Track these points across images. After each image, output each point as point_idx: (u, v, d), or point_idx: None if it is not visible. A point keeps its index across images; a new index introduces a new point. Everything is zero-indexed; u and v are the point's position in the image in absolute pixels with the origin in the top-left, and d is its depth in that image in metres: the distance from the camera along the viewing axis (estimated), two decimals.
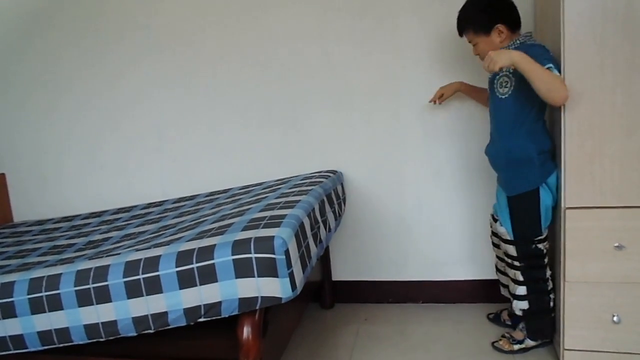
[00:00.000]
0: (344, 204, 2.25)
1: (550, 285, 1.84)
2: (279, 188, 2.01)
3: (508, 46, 1.75)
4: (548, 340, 1.90)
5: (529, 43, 1.73)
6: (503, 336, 1.96)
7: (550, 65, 1.58)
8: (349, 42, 2.26)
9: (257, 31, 2.34)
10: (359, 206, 2.38)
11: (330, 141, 2.34)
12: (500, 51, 1.62)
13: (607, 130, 1.61)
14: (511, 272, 1.88)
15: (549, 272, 1.84)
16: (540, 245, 1.80)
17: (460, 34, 1.87)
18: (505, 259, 1.90)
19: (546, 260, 1.83)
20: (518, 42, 1.75)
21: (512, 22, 1.76)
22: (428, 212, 2.32)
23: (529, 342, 1.90)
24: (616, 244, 1.64)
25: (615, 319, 1.67)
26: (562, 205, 1.69)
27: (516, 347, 1.90)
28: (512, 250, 1.84)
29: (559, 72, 1.60)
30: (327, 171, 2.21)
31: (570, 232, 1.68)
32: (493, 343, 1.96)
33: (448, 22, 2.15)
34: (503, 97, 1.77)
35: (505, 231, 1.84)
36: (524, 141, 1.74)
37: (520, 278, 1.83)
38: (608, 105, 1.60)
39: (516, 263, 1.84)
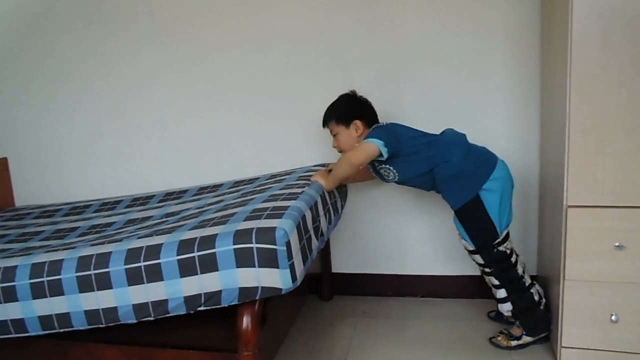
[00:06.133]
0: (346, 197, 2.25)
1: (528, 281, 1.87)
2: (284, 179, 2.02)
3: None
4: (545, 334, 1.91)
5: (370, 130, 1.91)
6: (501, 332, 1.97)
7: (367, 140, 1.80)
8: (353, 35, 2.25)
9: (261, 22, 2.33)
10: (360, 199, 2.38)
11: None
12: (321, 176, 1.93)
13: (610, 130, 1.61)
14: (486, 279, 1.94)
15: (521, 270, 1.87)
16: (501, 248, 1.83)
17: (325, 124, 2.01)
18: (479, 267, 1.94)
19: (513, 259, 1.86)
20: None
21: (369, 120, 1.97)
22: (428, 206, 2.32)
23: (527, 338, 1.91)
24: (616, 244, 1.64)
25: (613, 318, 1.68)
26: (564, 203, 1.69)
27: (513, 343, 1.91)
28: (479, 259, 1.88)
29: (380, 138, 1.77)
30: (330, 164, 2.21)
31: (571, 231, 1.68)
32: (490, 339, 1.98)
33: (452, 18, 2.16)
34: (395, 180, 1.92)
35: (466, 243, 1.87)
36: (446, 167, 1.80)
37: (496, 282, 1.88)
38: (612, 105, 1.60)
39: (487, 269, 1.88)
